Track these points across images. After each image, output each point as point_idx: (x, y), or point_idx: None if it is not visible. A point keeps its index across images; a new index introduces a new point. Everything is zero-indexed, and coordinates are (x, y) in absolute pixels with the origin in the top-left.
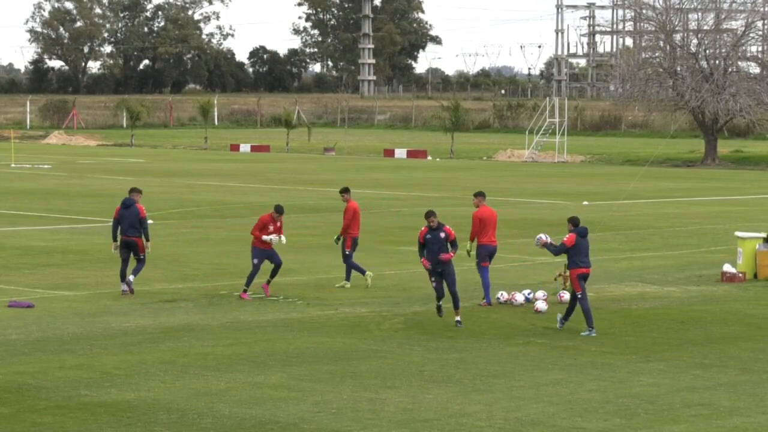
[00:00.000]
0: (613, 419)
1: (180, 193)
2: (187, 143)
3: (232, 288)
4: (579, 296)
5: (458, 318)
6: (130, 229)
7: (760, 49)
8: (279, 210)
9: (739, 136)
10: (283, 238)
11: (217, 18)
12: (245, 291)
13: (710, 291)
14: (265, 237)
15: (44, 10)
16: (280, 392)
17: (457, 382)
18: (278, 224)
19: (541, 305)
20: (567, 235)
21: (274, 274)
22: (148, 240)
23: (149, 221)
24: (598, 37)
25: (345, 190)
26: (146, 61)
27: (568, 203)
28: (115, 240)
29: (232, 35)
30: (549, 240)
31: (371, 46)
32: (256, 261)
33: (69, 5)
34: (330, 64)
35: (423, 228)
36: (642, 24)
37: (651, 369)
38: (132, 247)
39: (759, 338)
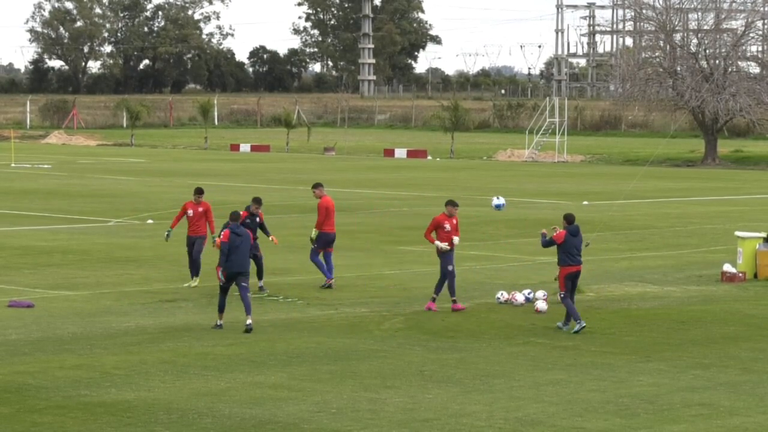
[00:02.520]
0: (613, 419)
1: (180, 193)
2: (187, 143)
3: (232, 288)
4: (562, 295)
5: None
6: None
7: (760, 48)
8: (454, 203)
9: (739, 135)
10: (455, 239)
11: (217, 18)
12: (434, 300)
13: (710, 291)
14: (438, 243)
15: (44, 10)
16: (280, 392)
17: (457, 382)
18: (454, 221)
19: (541, 305)
20: (558, 231)
21: (450, 285)
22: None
23: (149, 221)
24: (598, 37)
25: (198, 191)
26: (146, 61)
27: (568, 203)
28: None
29: (232, 35)
30: (545, 232)
31: (371, 45)
32: (450, 268)
33: (69, 5)
34: (330, 63)
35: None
36: (642, 24)
37: (651, 369)
38: None
39: (759, 338)
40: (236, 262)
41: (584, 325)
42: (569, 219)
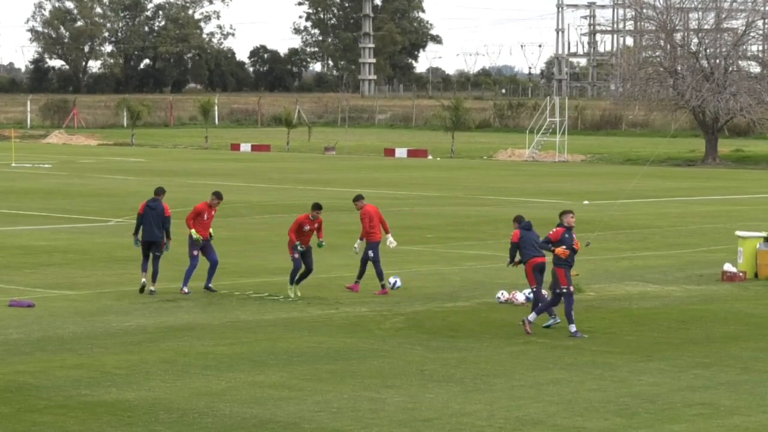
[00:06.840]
0: (614, 418)
1: (180, 193)
2: (188, 143)
3: (232, 287)
4: (534, 290)
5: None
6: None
7: (760, 48)
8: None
9: (739, 135)
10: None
11: (218, 17)
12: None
13: (711, 290)
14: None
15: (45, 10)
16: (280, 392)
17: (457, 381)
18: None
19: None
20: (512, 233)
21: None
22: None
23: None
24: (598, 37)
25: (317, 207)
26: (147, 61)
27: (569, 203)
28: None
29: (233, 35)
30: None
31: (372, 45)
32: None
33: (69, 5)
34: (330, 63)
35: (559, 228)
36: (642, 23)
37: (652, 368)
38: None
39: (759, 338)
40: (147, 232)
41: (558, 320)
42: (519, 219)
